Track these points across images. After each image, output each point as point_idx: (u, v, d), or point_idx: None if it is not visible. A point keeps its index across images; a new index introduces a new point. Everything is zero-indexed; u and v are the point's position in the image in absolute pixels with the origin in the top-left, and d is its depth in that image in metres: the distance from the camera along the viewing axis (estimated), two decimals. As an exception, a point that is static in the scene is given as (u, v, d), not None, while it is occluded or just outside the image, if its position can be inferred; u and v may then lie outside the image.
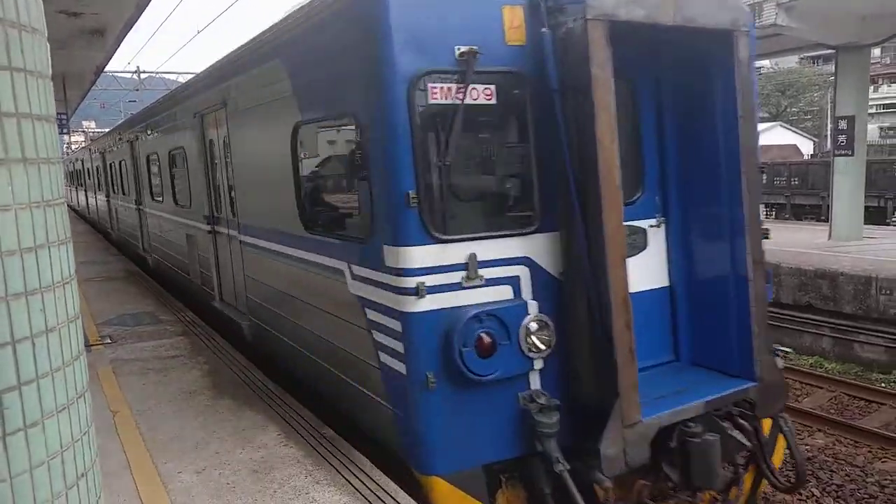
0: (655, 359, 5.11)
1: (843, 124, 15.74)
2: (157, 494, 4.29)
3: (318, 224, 5.54)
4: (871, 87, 26.87)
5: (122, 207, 16.91)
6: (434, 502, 4.21)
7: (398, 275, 4.13)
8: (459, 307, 4.14)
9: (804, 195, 28.11)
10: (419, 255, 4.07)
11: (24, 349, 1.61)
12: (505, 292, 4.29)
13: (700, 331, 5.15)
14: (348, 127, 4.95)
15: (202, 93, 8.42)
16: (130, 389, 6.36)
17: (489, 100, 4.25)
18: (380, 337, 4.49)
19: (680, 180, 5.17)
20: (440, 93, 4.09)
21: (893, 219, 25.29)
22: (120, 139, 15.76)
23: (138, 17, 11.83)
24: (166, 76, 43.73)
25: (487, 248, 4.23)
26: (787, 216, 27.75)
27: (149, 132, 12.18)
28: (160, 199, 11.73)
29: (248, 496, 4.23)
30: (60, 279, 1.75)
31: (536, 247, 4.36)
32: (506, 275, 4.29)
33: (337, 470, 4.50)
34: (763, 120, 47.80)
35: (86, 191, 26.88)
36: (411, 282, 4.06)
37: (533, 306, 4.31)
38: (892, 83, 61.99)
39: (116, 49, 14.93)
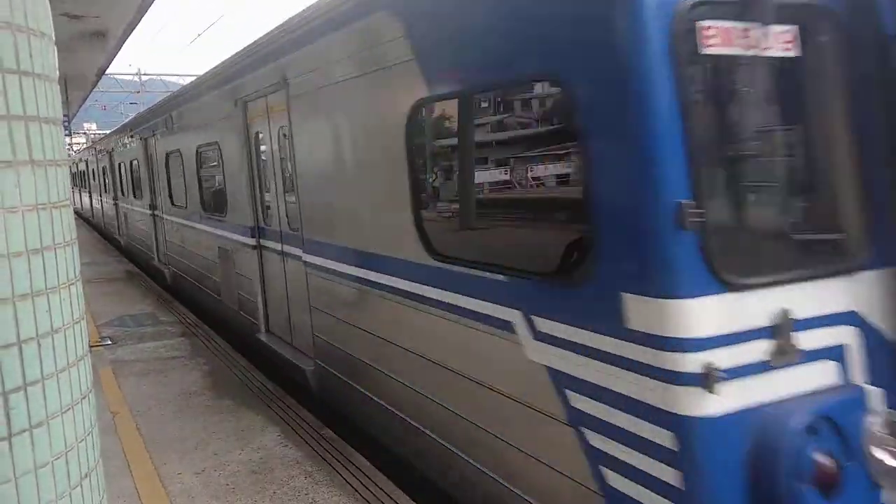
0: None
1: None
2: (156, 495, 4.30)
3: (454, 248, 3.80)
4: None
5: (133, 212, 15.37)
6: None
7: (664, 348, 2.50)
8: (773, 405, 2.54)
9: None
10: (706, 314, 2.48)
11: (29, 350, 1.63)
12: (828, 373, 2.70)
13: None
14: (529, 94, 3.54)
15: (247, 74, 6.74)
16: (130, 390, 6.38)
17: (788, 50, 2.76)
18: (604, 443, 2.82)
19: None
20: (720, 36, 2.58)
21: None
22: (132, 136, 13.97)
23: (140, 19, 11.85)
24: (167, 78, 43.82)
25: (802, 299, 2.64)
26: None
27: (168, 127, 10.48)
28: (182, 204, 10.00)
29: (248, 497, 4.24)
30: (66, 280, 1.76)
31: (866, 294, 2.77)
32: (828, 343, 2.71)
33: (336, 471, 4.51)
34: None
35: (90, 193, 25.57)
36: (692, 361, 2.45)
37: (874, 395, 2.68)
38: None
39: (118, 51, 14.95)
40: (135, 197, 14.54)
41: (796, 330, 2.62)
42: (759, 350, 2.55)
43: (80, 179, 29.20)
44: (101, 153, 20.28)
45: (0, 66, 1.56)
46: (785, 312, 2.59)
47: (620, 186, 2.66)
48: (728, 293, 2.52)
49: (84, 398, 1.83)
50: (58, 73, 1.85)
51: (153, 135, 11.69)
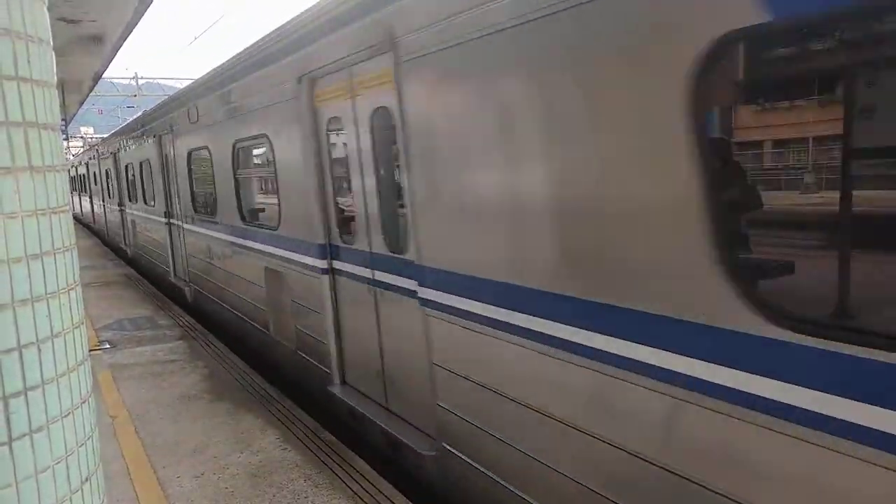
0: None
1: None
2: (156, 499, 4.30)
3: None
4: None
5: (143, 220, 13.68)
6: None
7: None
8: None
9: None
10: None
11: (30, 355, 1.64)
12: None
13: None
14: None
15: (316, 39, 5.02)
16: (129, 394, 6.37)
17: None
18: None
19: None
20: None
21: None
22: (143, 134, 12.41)
23: (137, 22, 11.85)
24: (164, 82, 43.84)
25: None
26: None
27: (193, 120, 8.81)
28: (211, 212, 8.49)
29: (247, 501, 4.24)
30: (65, 285, 1.77)
31: None
32: None
33: (336, 474, 4.51)
34: None
35: (91, 198, 23.98)
36: None
37: None
38: None
39: (115, 55, 14.94)
40: (145, 203, 13.01)
41: None
42: None
43: (79, 184, 28.10)
44: (103, 155, 18.80)
45: (-1, 72, 1.57)
46: None
47: None
48: None
49: (84, 402, 1.84)
50: (56, 78, 1.86)
51: (171, 131, 10.06)
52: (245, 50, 6.62)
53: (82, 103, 26.35)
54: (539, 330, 3.18)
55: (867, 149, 2.00)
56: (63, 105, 21.49)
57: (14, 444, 1.60)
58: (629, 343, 2.69)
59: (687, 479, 2.52)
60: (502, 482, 3.60)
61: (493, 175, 3.37)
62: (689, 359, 2.43)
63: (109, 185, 18.11)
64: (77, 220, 29.50)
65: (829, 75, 2.12)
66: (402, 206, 4.27)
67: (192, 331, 8.83)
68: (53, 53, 1.85)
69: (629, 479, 2.79)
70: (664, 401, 2.57)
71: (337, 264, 5.38)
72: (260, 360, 7.32)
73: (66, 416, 1.74)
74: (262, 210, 7.01)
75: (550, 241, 3.06)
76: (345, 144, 5.06)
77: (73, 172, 29.00)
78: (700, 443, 2.45)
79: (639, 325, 2.63)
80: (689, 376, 2.44)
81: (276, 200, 6.21)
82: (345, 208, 5.23)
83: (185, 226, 10.01)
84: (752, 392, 2.23)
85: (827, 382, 2.03)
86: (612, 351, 2.79)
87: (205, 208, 8.90)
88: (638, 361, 2.66)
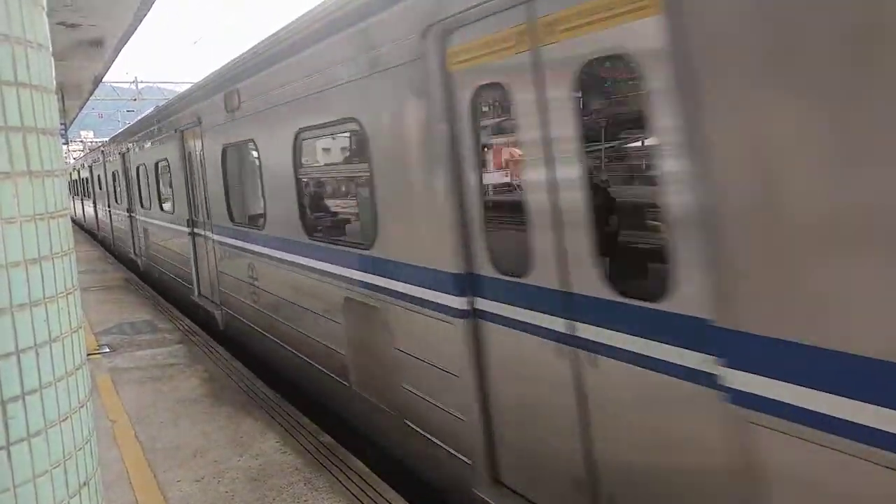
0: None
1: None
2: (155, 503, 4.30)
3: None
4: None
5: (157, 229, 12.00)
6: None
7: None
8: None
9: None
10: None
11: (27, 359, 1.64)
12: None
13: None
14: None
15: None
16: (129, 398, 6.37)
17: None
18: None
19: None
20: None
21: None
22: (159, 130, 10.91)
23: (137, 26, 11.88)
24: (164, 86, 43.94)
25: None
26: None
27: (230, 109, 7.09)
28: (255, 223, 6.90)
29: (247, 504, 4.24)
30: (64, 290, 1.78)
31: None
32: None
33: (336, 477, 4.51)
34: None
35: (94, 203, 22.39)
36: None
37: None
38: None
39: (115, 59, 14.98)
40: (161, 209, 11.39)
41: None
42: None
43: (81, 187, 27.03)
44: (110, 156, 17.26)
45: (-2, 78, 1.58)
46: None
47: None
48: None
49: (82, 406, 1.84)
50: (55, 83, 1.87)
51: (197, 125, 8.48)
52: (321, 4, 4.97)
53: (82, 107, 26.42)
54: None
55: None
56: (63, 109, 21.52)
57: (12, 449, 1.60)
58: None
59: None
60: None
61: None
62: None
63: (116, 189, 16.59)
64: (79, 226, 28.51)
65: None
66: (655, 221, 2.74)
67: (192, 334, 8.84)
68: (52, 59, 1.86)
69: None
70: None
71: (484, 304, 3.68)
72: (327, 412, 5.72)
73: (63, 421, 1.74)
74: (346, 221, 5.62)
75: None
76: (510, 123, 3.43)
77: (76, 176, 28.32)
78: None
79: None
80: None
81: (367, 208, 4.69)
82: (505, 223, 3.60)
83: (216, 237, 8.31)
84: None
85: None
86: None
87: (247, 217, 7.31)
88: None
